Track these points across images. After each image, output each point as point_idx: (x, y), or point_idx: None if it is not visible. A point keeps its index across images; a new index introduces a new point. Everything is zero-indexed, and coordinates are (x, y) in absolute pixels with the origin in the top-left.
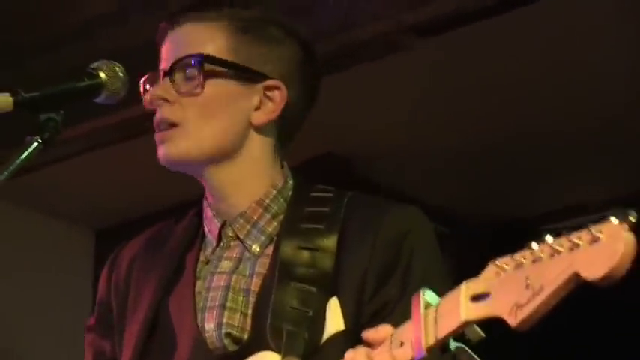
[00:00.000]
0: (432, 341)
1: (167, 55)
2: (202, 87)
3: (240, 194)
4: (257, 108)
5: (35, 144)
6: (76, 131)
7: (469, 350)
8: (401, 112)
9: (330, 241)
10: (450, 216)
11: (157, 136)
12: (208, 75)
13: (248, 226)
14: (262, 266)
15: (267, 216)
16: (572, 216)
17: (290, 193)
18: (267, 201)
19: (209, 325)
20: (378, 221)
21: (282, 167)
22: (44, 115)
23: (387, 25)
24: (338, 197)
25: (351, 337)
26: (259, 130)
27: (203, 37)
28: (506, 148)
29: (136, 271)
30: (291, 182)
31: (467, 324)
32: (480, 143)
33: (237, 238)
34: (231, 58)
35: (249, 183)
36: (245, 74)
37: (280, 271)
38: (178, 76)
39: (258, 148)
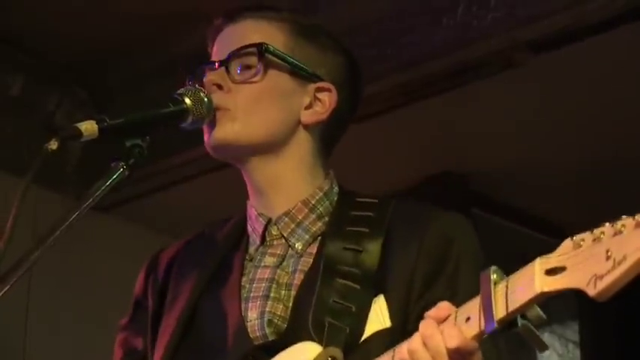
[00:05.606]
0: (502, 314)
1: (223, 46)
2: (261, 76)
3: (283, 191)
4: (307, 107)
5: (120, 170)
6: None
7: (533, 328)
8: (517, 128)
9: (375, 244)
10: (566, 230)
11: (206, 122)
12: (267, 66)
13: (293, 225)
14: (305, 264)
15: (313, 216)
16: None
17: (336, 198)
18: (313, 202)
19: (252, 315)
20: (423, 227)
21: (327, 173)
22: (129, 142)
23: (501, 42)
24: (383, 203)
25: (396, 335)
26: (307, 129)
27: (263, 32)
28: (624, 163)
29: (176, 272)
30: (336, 188)
31: (542, 295)
32: (597, 158)
33: (282, 236)
34: (289, 55)
35: (292, 180)
36: (300, 72)
37: (325, 267)
38: (234, 65)
39: (304, 147)
